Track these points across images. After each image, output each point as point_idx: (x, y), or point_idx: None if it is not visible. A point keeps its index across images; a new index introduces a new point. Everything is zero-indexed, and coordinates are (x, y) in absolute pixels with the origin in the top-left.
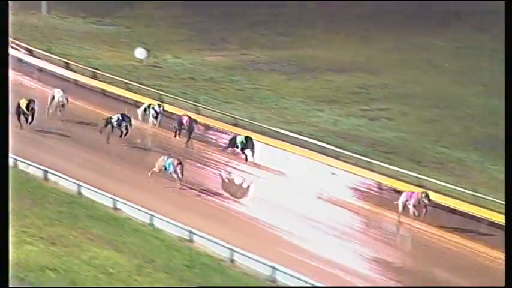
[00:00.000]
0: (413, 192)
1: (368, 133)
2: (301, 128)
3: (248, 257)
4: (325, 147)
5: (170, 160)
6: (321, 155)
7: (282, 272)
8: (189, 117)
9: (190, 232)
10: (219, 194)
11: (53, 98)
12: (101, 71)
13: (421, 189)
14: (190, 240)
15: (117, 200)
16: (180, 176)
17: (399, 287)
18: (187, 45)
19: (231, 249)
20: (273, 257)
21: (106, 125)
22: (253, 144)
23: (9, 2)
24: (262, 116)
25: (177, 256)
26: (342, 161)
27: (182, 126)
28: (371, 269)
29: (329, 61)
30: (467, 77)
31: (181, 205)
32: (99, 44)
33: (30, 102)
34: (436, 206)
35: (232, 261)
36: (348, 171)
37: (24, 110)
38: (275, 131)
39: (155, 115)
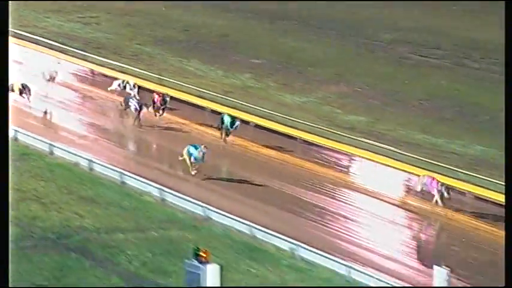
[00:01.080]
0: (434, 179)
1: (83, 34)
2: (35, 30)
3: (28, 135)
4: (52, 44)
5: (193, 149)
6: (49, 49)
7: (58, 148)
8: (159, 94)
9: None
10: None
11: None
12: None
13: (435, 175)
14: None
15: None
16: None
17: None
18: None
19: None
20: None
21: (125, 107)
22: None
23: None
24: None
25: None
26: (67, 54)
27: (155, 104)
28: (88, 131)
29: None
30: None
31: None
32: None
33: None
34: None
35: (16, 139)
36: (70, 62)
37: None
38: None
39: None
